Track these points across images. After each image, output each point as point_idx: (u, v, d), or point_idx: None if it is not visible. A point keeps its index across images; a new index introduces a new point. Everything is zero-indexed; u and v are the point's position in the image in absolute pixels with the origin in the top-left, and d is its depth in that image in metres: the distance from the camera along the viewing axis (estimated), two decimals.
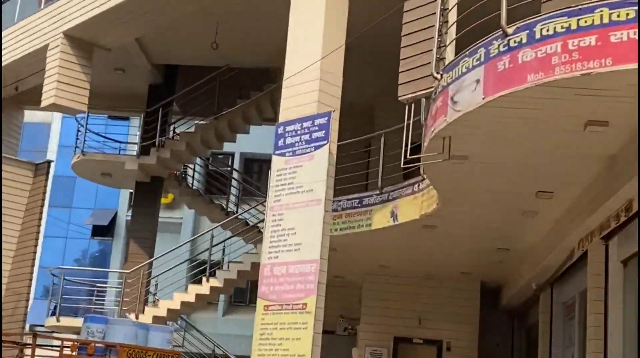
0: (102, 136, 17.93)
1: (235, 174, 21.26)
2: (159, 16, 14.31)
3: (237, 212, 17.89)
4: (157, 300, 16.26)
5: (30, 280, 16.94)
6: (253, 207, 17.37)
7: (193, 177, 18.81)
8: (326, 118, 10.62)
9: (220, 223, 16.62)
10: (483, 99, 7.42)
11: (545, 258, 12.09)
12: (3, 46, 16.49)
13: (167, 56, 17.10)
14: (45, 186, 17.32)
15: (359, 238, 13.14)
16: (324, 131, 10.61)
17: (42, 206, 17.20)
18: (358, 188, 13.36)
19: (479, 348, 15.85)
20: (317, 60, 10.77)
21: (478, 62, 7.59)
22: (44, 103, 14.87)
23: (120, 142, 18.98)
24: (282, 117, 11.14)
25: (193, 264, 18.02)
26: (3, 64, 16.43)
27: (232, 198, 20.27)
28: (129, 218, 26.29)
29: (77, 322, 16.47)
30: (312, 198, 10.45)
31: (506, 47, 7.28)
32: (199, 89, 16.40)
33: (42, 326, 23.90)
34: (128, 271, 15.84)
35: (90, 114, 17.50)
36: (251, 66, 16.75)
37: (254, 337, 10.57)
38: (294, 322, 10.16)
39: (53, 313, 17.26)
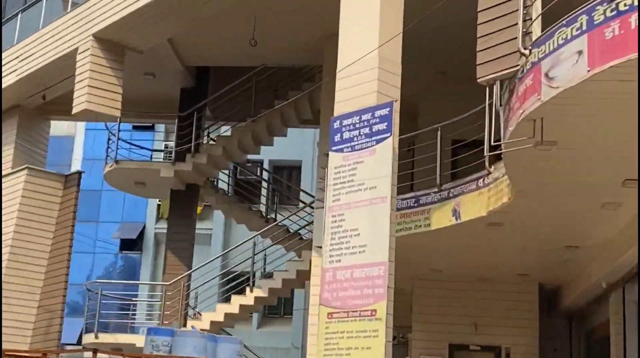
0: (134, 145, 17.18)
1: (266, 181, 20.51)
2: (192, 14, 13.60)
3: (275, 218, 17.10)
4: (198, 312, 15.48)
5: (64, 296, 16.21)
6: (294, 213, 16.62)
7: (228, 184, 18.05)
8: (388, 109, 9.86)
9: (261, 231, 15.82)
10: (589, 71, 6.63)
11: (622, 254, 11.22)
12: (28, 53, 15.85)
13: (199, 57, 16.34)
14: (77, 198, 16.60)
15: (415, 239, 12.34)
16: (386, 123, 9.85)
17: (74, 218, 16.49)
18: (402, 189, 12.57)
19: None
20: (375, 47, 10.02)
21: (579, 31, 6.81)
22: (75, 109, 14.17)
23: (152, 150, 18.26)
24: (337, 110, 10.39)
25: (229, 276, 17.21)
26: (29, 71, 15.79)
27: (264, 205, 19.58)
28: (158, 230, 25.72)
29: (114, 337, 15.80)
30: (376, 195, 9.68)
31: (614, 12, 6.50)
32: (234, 90, 15.66)
33: (72, 344, 23.21)
34: (168, 283, 15.05)
35: (115, 123, 16.77)
36: (288, 65, 15.99)
37: (318, 348, 9.79)
38: (362, 329, 9.37)
39: (87, 330, 16.44)
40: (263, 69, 15.83)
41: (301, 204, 18.71)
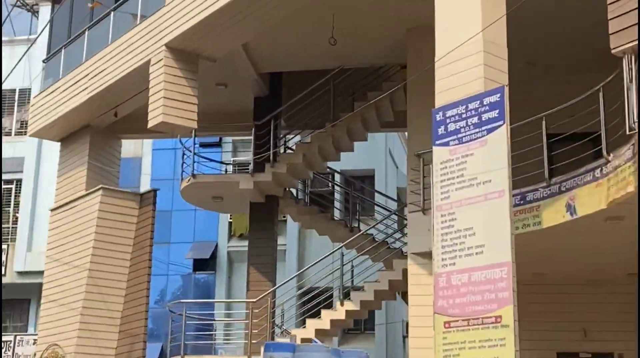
0: (209, 159, 16.60)
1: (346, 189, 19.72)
2: (267, 16, 12.97)
3: (359, 228, 16.29)
4: (286, 330, 14.73)
5: (146, 319, 15.65)
6: (381, 221, 15.80)
7: (307, 194, 17.32)
8: (499, 95, 9.03)
9: (347, 241, 15.02)
10: None
11: None
12: (99, 69, 15.43)
13: (274, 63, 15.67)
14: (153, 217, 16.10)
15: (520, 240, 11.34)
16: (497, 110, 9.01)
17: (152, 238, 15.96)
18: None
19: None
20: (478, 31, 9.22)
21: None
22: (151, 123, 13.65)
23: (223, 162, 17.65)
24: (439, 101, 9.61)
25: (313, 292, 16.40)
26: (100, 88, 15.37)
27: (339, 213, 18.85)
28: (231, 248, 25.07)
29: None
30: (492, 189, 8.84)
31: None
32: (311, 95, 14.94)
33: None
34: (254, 300, 14.33)
35: (183, 139, 16.22)
36: (366, 65, 15.24)
37: None
38: (486, 338, 8.53)
39: (171, 353, 15.81)
40: (339, 72, 15.09)
41: (384, 212, 17.85)
